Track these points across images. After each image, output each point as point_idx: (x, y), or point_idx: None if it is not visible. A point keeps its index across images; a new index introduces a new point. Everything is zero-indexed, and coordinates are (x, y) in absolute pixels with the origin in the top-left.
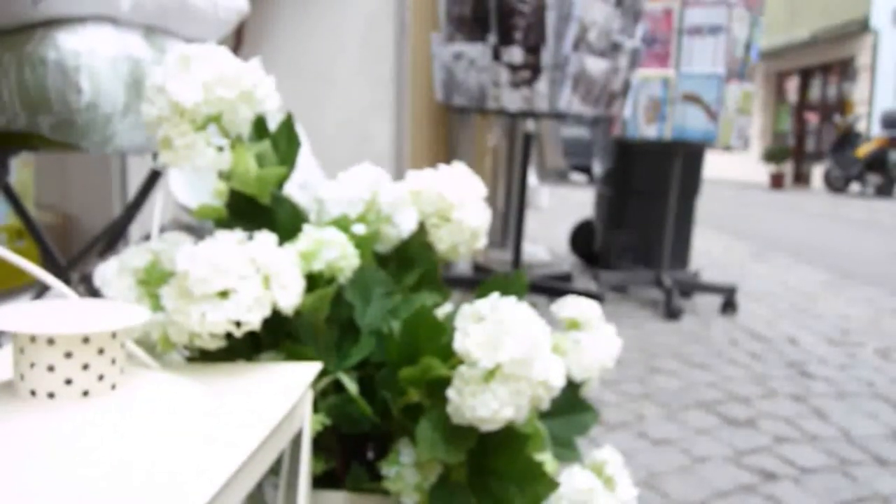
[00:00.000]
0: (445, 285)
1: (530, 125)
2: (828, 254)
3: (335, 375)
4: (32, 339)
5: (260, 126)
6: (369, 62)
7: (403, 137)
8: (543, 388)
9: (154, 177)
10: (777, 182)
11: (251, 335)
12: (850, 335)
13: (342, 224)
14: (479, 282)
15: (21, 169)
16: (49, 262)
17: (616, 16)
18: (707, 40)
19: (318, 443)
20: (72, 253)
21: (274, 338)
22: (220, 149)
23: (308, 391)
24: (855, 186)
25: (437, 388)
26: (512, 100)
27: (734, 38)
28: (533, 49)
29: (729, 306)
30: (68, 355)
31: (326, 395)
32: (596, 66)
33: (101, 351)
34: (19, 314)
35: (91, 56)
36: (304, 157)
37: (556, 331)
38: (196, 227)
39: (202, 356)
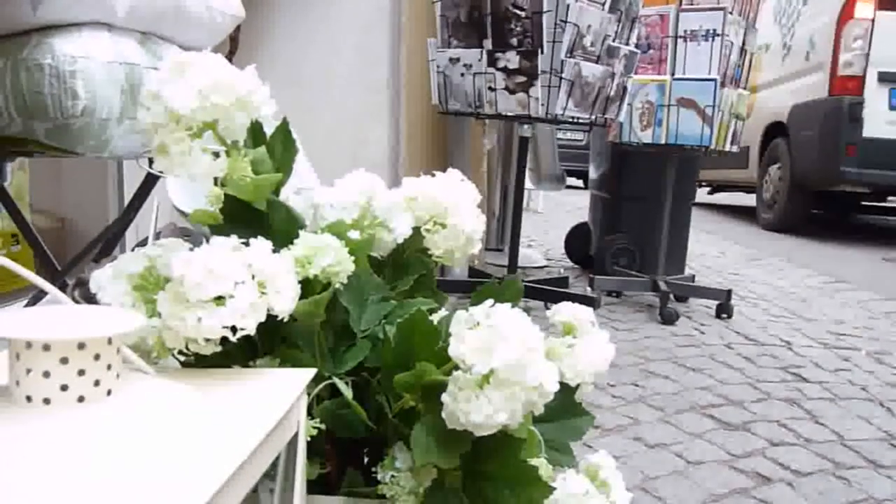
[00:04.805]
0: (441, 290)
1: (526, 129)
2: (822, 258)
3: (330, 380)
4: (28, 344)
5: (256, 132)
6: (365, 67)
7: (399, 141)
8: (537, 394)
9: (150, 180)
10: None
11: (247, 340)
12: (843, 339)
13: (337, 230)
14: (475, 286)
15: (17, 172)
16: (45, 267)
17: (611, 21)
18: (702, 45)
19: (313, 447)
20: (67, 256)
21: (269, 343)
22: (216, 155)
23: (303, 396)
24: None
25: (432, 393)
26: (508, 105)
27: (729, 42)
28: (528, 54)
29: (724, 310)
30: (64, 361)
31: (321, 399)
32: (591, 71)
33: (96, 357)
34: (15, 320)
35: (87, 62)
36: (300, 162)
37: (551, 335)
38: (193, 231)
39: (198, 361)
